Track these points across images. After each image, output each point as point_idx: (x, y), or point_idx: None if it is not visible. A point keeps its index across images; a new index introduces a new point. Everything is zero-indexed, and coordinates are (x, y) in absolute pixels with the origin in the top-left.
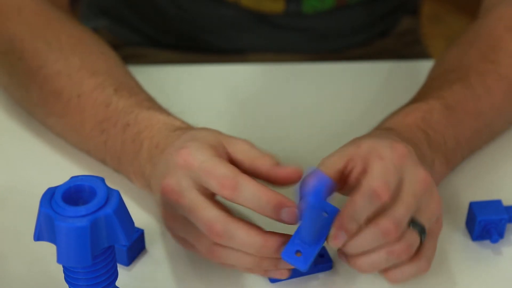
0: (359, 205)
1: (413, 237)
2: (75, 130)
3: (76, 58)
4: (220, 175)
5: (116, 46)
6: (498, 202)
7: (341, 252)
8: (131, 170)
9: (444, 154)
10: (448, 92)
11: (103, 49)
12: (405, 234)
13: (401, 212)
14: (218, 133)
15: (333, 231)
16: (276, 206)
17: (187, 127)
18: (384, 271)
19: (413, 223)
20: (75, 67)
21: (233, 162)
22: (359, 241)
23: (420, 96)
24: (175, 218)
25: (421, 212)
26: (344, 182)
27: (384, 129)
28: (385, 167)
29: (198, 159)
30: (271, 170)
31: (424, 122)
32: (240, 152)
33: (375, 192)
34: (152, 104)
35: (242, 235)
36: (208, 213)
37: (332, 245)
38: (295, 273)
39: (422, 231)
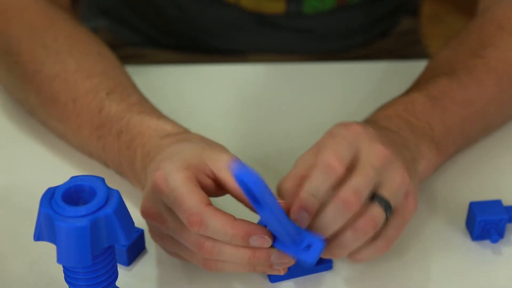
0: (313, 179)
1: (376, 211)
2: (74, 134)
3: (73, 61)
4: (186, 209)
5: (116, 46)
6: (498, 202)
7: None
8: (131, 176)
9: (432, 139)
10: (432, 85)
11: (100, 49)
12: (368, 208)
13: (358, 181)
14: (204, 147)
15: (293, 210)
16: (243, 237)
17: (177, 132)
18: (350, 254)
19: (377, 197)
20: (71, 70)
21: (217, 180)
22: (322, 217)
23: (405, 92)
24: (163, 237)
25: (384, 186)
26: None
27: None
28: (337, 142)
29: (169, 186)
30: None
31: (406, 111)
32: (225, 171)
33: (327, 164)
34: (143, 107)
35: (230, 250)
36: (192, 233)
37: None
38: (295, 273)
39: (387, 205)
